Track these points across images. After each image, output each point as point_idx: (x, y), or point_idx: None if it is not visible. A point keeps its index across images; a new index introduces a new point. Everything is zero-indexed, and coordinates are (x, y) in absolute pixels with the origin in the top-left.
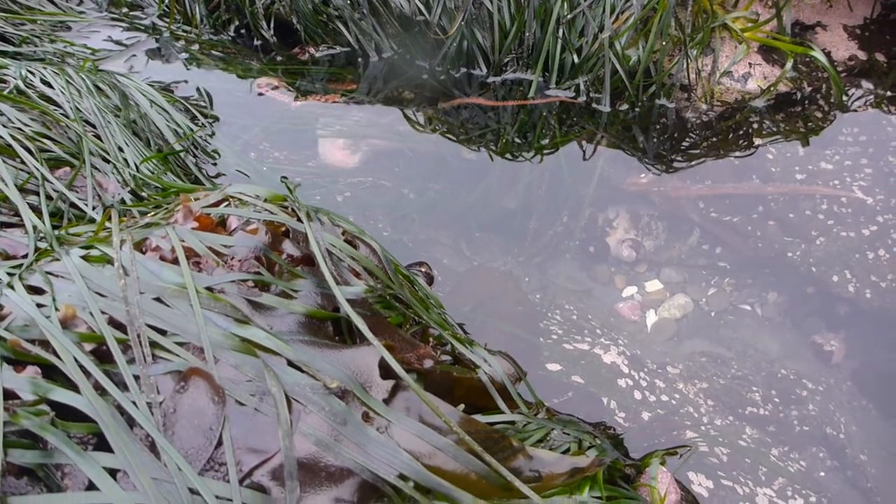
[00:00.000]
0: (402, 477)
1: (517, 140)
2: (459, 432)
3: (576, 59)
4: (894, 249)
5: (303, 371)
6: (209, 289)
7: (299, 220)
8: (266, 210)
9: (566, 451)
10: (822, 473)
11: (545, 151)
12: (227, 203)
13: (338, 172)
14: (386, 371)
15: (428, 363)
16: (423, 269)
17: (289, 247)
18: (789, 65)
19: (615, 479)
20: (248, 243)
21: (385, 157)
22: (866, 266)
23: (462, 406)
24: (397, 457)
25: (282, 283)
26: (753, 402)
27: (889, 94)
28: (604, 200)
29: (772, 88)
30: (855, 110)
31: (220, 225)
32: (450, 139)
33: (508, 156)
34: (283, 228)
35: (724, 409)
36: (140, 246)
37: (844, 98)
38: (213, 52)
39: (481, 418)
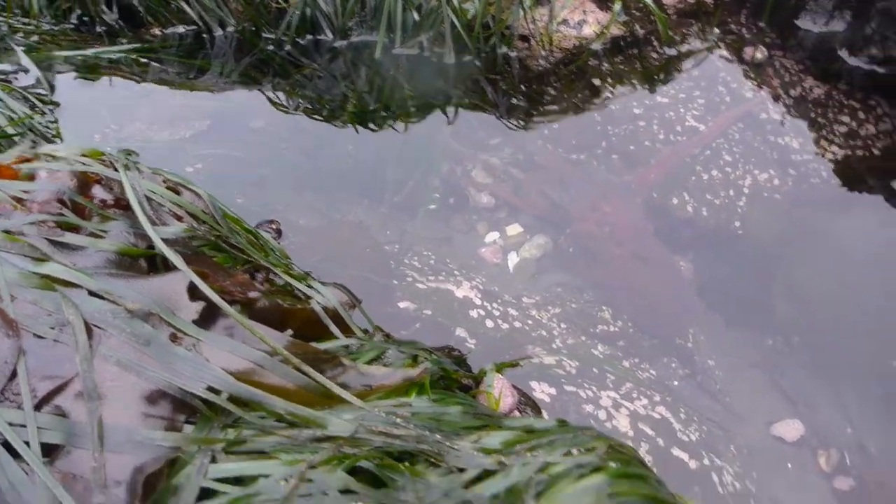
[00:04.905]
0: (213, 390)
1: (371, 104)
2: (282, 352)
3: (416, 17)
4: (726, 169)
5: (106, 299)
6: (7, 232)
7: (116, 171)
8: (79, 162)
9: None
10: (676, 382)
11: (399, 111)
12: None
13: (188, 144)
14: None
15: (253, 293)
16: (273, 226)
17: (100, 192)
18: (618, 7)
19: (452, 389)
20: (49, 187)
21: (246, 130)
22: (701, 186)
23: (290, 332)
24: (206, 371)
25: (91, 224)
26: (605, 321)
27: (717, 31)
28: (459, 152)
29: (605, 32)
30: (688, 48)
31: (31, 180)
32: (307, 108)
33: (370, 124)
34: (97, 177)
35: (576, 330)
36: None
37: (677, 37)
38: (54, 41)
39: (314, 346)
